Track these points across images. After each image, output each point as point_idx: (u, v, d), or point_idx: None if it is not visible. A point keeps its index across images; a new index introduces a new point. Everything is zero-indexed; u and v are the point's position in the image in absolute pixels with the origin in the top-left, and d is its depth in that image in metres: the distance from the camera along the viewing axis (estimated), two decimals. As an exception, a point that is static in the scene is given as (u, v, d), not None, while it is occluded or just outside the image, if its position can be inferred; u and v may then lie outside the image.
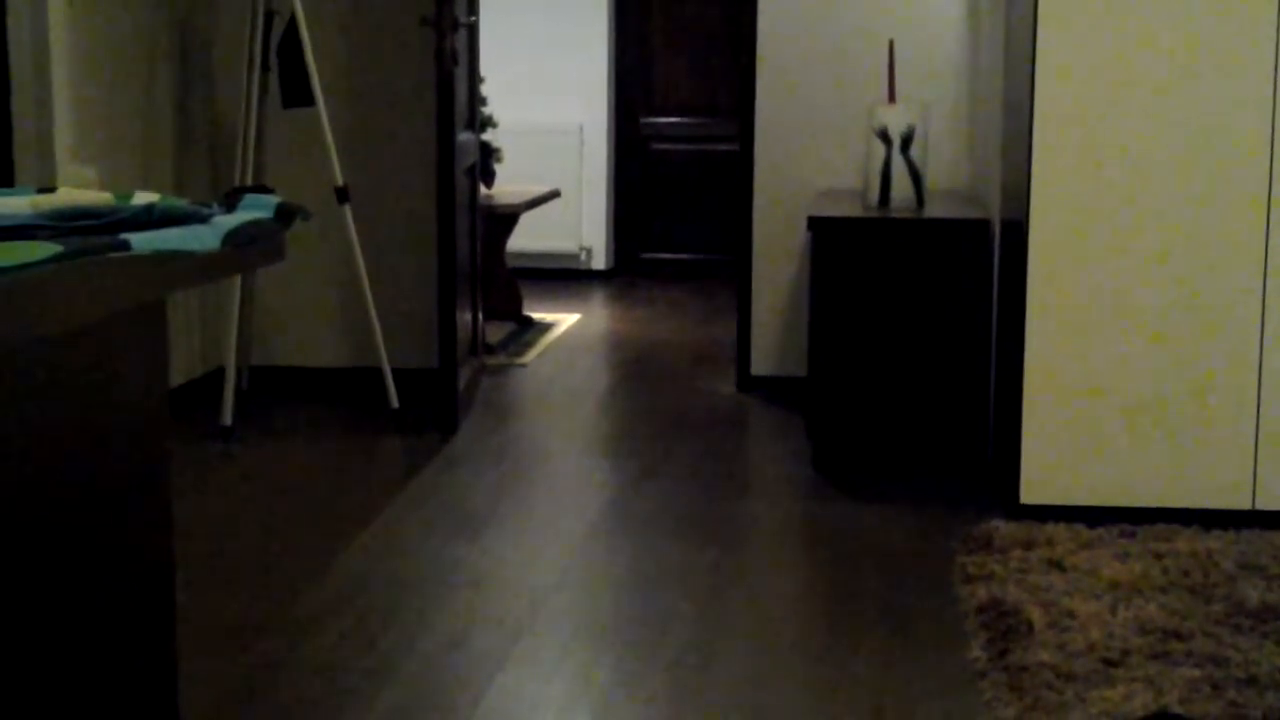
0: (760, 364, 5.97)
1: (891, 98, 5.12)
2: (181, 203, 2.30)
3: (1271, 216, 4.08)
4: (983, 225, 4.75)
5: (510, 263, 7.71)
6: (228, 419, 5.15)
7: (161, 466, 2.47)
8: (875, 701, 3.07)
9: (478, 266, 5.88)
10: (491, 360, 6.48)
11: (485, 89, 6.67)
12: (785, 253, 5.87)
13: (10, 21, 4.57)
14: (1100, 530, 4.02)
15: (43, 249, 1.87)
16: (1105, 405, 4.17)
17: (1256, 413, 4.12)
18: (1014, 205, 4.38)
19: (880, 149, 4.99)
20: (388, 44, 5.71)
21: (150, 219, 2.16)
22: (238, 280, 5.30)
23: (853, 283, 4.74)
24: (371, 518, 4.30)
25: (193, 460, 4.87)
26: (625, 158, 9.32)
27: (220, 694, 3.10)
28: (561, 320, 7.62)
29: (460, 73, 5.35)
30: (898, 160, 4.97)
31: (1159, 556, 3.80)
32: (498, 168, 7.31)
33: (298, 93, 5.30)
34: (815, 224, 4.80)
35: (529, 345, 6.94)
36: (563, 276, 9.04)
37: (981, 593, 3.56)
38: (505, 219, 7.36)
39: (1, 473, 2.04)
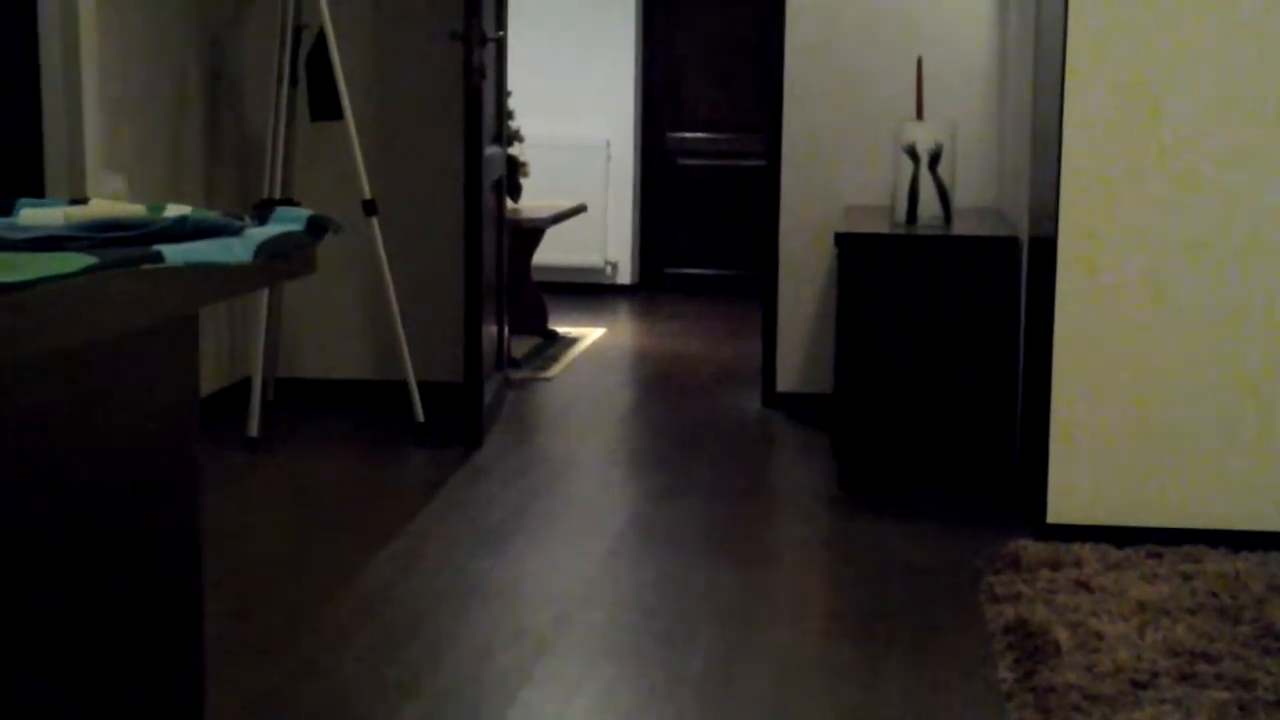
0: (786, 380, 5.96)
1: (919, 114, 5.12)
2: (214, 215, 2.30)
3: (1302, 236, 4.06)
4: (1011, 243, 4.73)
5: (536, 277, 7.72)
6: (254, 430, 5.17)
7: (191, 478, 2.48)
8: (901, 721, 3.06)
9: (504, 280, 5.88)
10: (516, 374, 6.48)
11: (512, 103, 6.68)
12: (811, 269, 5.86)
13: (41, 36, 4.59)
14: (1128, 551, 4.00)
15: (76, 260, 1.87)
16: (1133, 425, 4.15)
17: (1286, 434, 4.10)
18: (1043, 223, 4.37)
19: (908, 165, 4.98)
20: (416, 58, 5.72)
21: (183, 231, 2.16)
22: (265, 292, 5.32)
23: (879, 299, 4.73)
24: (396, 530, 4.30)
25: (219, 471, 4.87)
26: (651, 173, 9.33)
27: (246, 705, 3.10)
28: (587, 334, 7.63)
29: (488, 87, 5.36)
30: (926, 177, 4.96)
31: (1187, 578, 3.78)
32: (524, 182, 7.32)
33: (326, 106, 5.32)
34: (842, 240, 4.79)
35: (554, 359, 6.95)
36: (588, 291, 9.04)
37: (1008, 613, 3.55)
38: (531, 233, 7.37)
39: (33, 482, 2.04)
